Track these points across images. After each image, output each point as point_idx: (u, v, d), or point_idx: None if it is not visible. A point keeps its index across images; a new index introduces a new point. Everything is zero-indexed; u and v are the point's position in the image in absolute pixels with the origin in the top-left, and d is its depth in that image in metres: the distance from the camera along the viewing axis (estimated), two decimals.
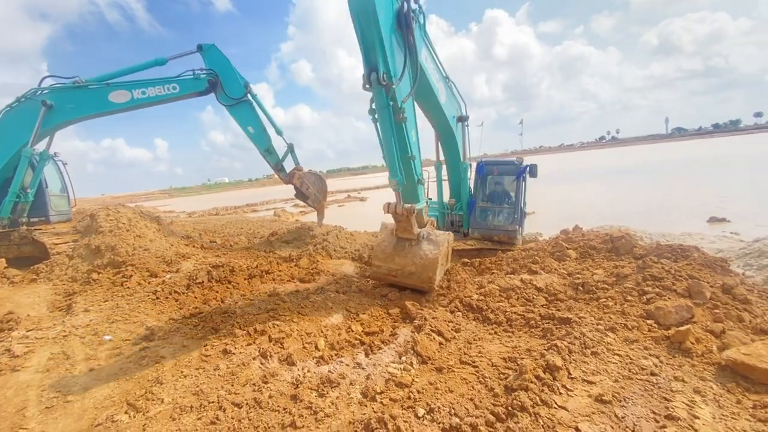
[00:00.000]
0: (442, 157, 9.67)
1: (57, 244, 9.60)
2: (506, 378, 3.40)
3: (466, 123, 9.10)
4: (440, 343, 4.24)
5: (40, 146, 9.46)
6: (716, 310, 4.14)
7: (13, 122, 7.71)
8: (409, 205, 5.64)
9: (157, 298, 6.54)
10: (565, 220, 12.52)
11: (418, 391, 3.36)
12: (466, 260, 8.14)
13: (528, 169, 9.32)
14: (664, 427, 2.66)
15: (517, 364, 3.48)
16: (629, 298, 4.59)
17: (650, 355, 3.63)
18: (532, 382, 3.14)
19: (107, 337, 5.11)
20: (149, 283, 7.39)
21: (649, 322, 4.11)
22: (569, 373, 3.33)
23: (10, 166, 8.31)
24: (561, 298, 5.08)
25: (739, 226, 12.99)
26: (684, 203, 18.31)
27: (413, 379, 3.59)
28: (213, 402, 3.35)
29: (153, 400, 3.47)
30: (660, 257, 5.66)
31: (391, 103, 4.89)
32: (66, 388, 3.93)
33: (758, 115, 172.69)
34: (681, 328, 3.77)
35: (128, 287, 7.18)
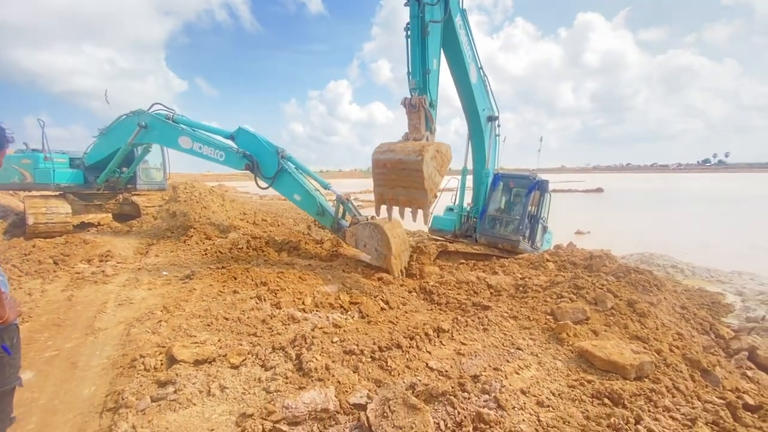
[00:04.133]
0: (470, 165, 10.54)
1: (147, 206, 12.41)
2: (407, 332, 4.65)
3: (497, 124, 9.95)
4: (382, 308, 5.57)
5: None
6: (611, 317, 4.93)
7: (121, 128, 10.03)
8: (422, 95, 6.41)
9: (206, 253, 8.63)
10: (607, 243, 12.70)
11: (345, 331, 4.74)
12: (462, 261, 9.14)
13: (539, 184, 10.07)
14: (460, 368, 3.75)
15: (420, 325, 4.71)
16: (548, 299, 5.47)
17: (529, 337, 4.60)
18: (418, 335, 4.37)
19: (164, 273, 7.20)
20: (203, 243, 9.59)
21: (549, 317, 5.01)
22: (452, 336, 4.48)
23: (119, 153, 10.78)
24: (501, 294, 6.08)
25: None
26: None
27: (346, 324, 4.98)
28: (213, 315, 5.07)
29: (179, 308, 5.31)
30: (611, 275, 6.35)
31: (420, 15, 6.34)
32: (132, 296, 5.98)
33: None
34: (560, 322, 4.68)
35: (188, 244, 9.43)
